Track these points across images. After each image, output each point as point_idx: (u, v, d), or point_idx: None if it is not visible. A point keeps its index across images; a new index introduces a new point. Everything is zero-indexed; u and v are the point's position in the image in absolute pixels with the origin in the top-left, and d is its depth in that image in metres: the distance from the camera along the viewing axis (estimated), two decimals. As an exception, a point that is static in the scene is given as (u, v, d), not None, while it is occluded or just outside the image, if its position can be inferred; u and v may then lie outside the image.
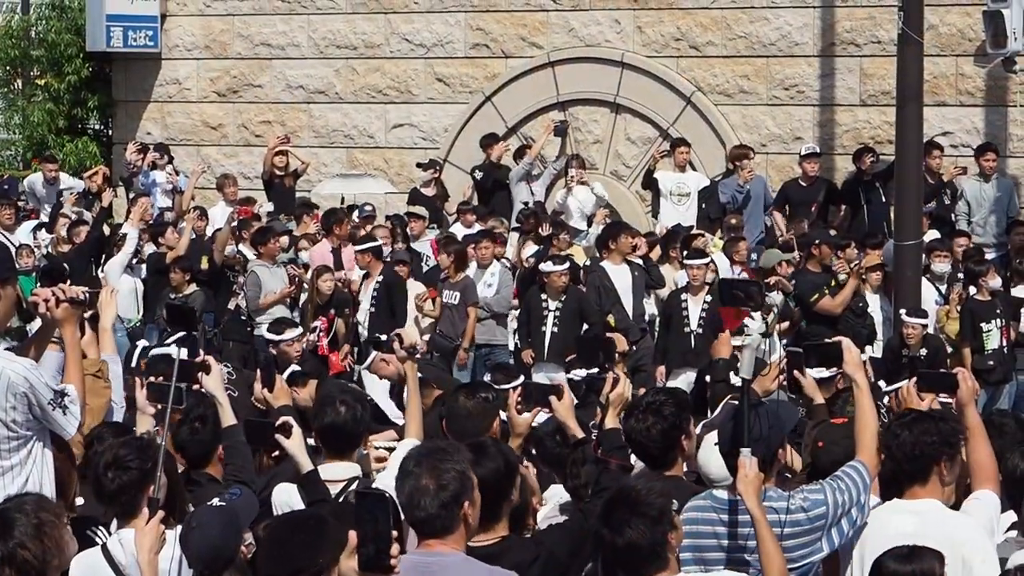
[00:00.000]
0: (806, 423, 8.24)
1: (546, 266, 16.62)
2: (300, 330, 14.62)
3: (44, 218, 21.32)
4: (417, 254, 18.66)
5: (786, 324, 16.06)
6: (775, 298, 16.15)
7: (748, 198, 19.45)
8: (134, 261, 18.08)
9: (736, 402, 8.63)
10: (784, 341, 15.27)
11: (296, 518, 5.74)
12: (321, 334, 17.16)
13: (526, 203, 19.96)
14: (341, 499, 7.18)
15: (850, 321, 16.25)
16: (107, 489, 6.49)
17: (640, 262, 17.20)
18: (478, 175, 20.79)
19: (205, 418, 7.76)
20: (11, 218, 20.11)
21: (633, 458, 7.35)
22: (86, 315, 7.87)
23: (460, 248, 17.61)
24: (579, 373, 9.40)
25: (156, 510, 6.16)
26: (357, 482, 7.44)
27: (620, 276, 16.81)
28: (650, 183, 20.25)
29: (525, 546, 6.37)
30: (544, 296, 16.54)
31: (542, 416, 8.14)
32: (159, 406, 7.50)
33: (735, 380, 6.94)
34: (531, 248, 18.13)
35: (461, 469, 5.64)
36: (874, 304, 16.69)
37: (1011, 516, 6.93)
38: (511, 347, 17.45)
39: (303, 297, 17.72)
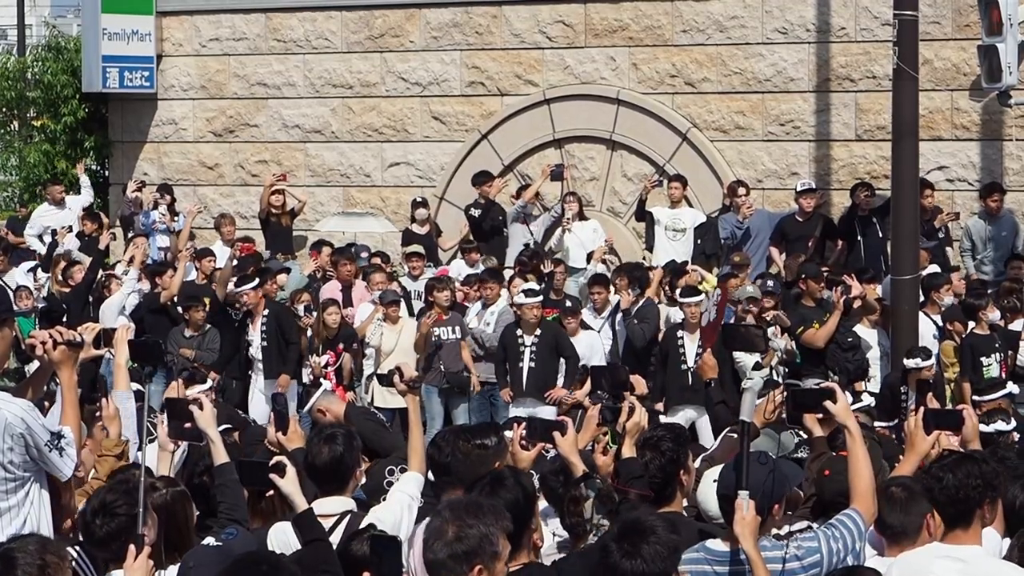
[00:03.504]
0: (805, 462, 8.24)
1: (519, 298, 16.71)
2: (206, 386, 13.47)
3: (43, 249, 21.40)
4: (408, 293, 18.70)
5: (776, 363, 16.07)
6: (778, 342, 16.15)
7: (747, 235, 19.46)
8: (129, 299, 18.05)
9: (735, 435, 8.60)
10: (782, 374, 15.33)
11: (249, 561, 5.55)
12: (329, 368, 17.26)
13: (527, 244, 19.99)
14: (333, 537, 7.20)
15: (837, 355, 16.22)
16: (96, 536, 6.44)
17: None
18: (475, 212, 20.74)
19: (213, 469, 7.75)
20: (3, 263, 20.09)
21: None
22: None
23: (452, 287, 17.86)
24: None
25: (142, 547, 6.09)
26: (350, 515, 7.51)
27: None
28: (643, 215, 20.28)
29: (546, 573, 6.36)
30: (519, 331, 16.62)
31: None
32: (180, 443, 7.58)
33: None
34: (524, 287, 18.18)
35: (486, 532, 5.44)
36: (872, 339, 16.67)
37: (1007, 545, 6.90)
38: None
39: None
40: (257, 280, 17.21)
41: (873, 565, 6.52)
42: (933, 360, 15.44)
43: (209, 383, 13.12)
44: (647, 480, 7.10)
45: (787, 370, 15.98)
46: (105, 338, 7.84)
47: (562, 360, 16.65)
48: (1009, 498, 6.96)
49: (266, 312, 17.08)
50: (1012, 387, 14.17)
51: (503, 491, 6.12)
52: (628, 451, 7.43)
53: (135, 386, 8.73)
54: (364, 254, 20.33)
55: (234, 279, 17.42)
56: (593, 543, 7.01)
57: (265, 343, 16.97)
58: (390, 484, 8.82)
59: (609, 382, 8.93)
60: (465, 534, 5.41)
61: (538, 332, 16.57)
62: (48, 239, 21.98)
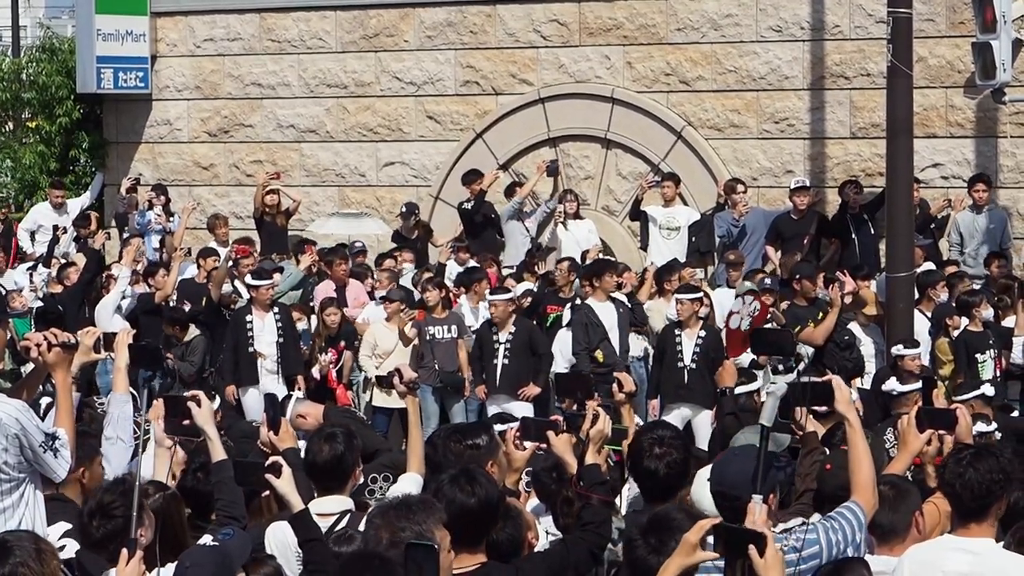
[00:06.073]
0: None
1: (490, 296, 16.76)
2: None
3: (42, 247, 21.40)
4: (410, 292, 18.70)
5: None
6: (805, 348, 16.16)
7: (743, 232, 19.47)
8: (123, 301, 18.05)
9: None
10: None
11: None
12: (330, 365, 17.31)
13: (528, 246, 20.01)
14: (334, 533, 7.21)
15: (834, 354, 16.21)
16: (93, 537, 6.44)
17: (624, 299, 17.25)
18: (467, 205, 20.70)
19: (209, 467, 7.75)
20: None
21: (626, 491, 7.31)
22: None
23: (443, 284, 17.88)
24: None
25: (135, 551, 6.09)
26: (349, 515, 7.49)
27: (606, 313, 16.84)
28: (638, 215, 20.29)
29: (505, 572, 6.37)
30: (493, 329, 16.66)
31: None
32: (177, 439, 7.59)
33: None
34: (523, 286, 18.19)
35: (421, 530, 5.48)
36: (866, 337, 16.66)
37: None
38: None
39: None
40: (276, 277, 17.33)
41: (928, 550, 6.50)
42: (919, 350, 15.43)
43: (218, 401, 13.15)
44: (670, 472, 7.08)
45: (782, 368, 15.97)
46: (105, 342, 7.85)
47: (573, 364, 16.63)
48: (1011, 500, 6.93)
49: (276, 309, 17.10)
50: (986, 388, 14.11)
51: (475, 487, 6.13)
52: (591, 458, 7.40)
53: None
54: (358, 243, 20.33)
55: (249, 273, 17.41)
56: (554, 545, 7.02)
57: (282, 339, 16.95)
58: (371, 492, 8.84)
59: (566, 389, 8.90)
60: (399, 538, 5.41)
61: (512, 330, 16.62)
62: (40, 237, 22.01)
